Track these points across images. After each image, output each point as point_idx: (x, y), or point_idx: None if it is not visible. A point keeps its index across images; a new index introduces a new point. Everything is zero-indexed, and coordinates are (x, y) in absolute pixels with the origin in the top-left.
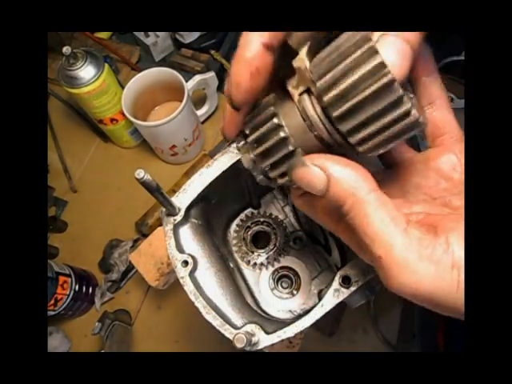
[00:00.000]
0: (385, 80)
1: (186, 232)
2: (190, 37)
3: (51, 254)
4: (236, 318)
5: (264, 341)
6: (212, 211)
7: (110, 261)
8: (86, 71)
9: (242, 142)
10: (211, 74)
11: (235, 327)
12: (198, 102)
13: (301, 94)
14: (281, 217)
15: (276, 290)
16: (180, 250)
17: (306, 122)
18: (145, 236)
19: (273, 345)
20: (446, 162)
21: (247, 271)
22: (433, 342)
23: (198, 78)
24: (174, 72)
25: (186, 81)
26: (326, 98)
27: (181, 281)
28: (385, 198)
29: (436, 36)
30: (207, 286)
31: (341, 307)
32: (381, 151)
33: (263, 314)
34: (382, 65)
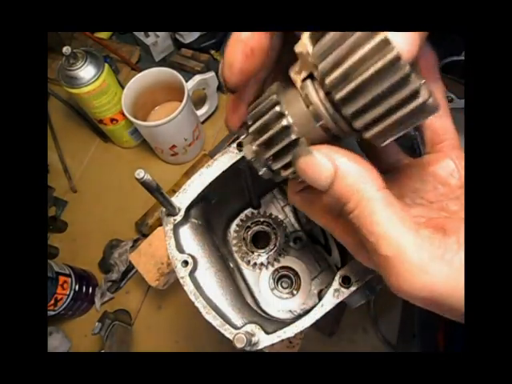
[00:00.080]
0: (389, 57)
1: (186, 232)
2: (189, 37)
3: (51, 254)
4: (236, 318)
5: (264, 341)
6: (212, 211)
7: (110, 261)
8: (86, 71)
9: (245, 134)
10: (211, 74)
11: (235, 327)
12: (198, 101)
13: (304, 80)
14: (281, 217)
15: (276, 289)
16: (180, 250)
17: (309, 109)
18: (145, 236)
19: (273, 345)
20: (444, 168)
21: (247, 271)
22: (433, 341)
23: (197, 77)
24: (174, 72)
25: (186, 81)
26: (328, 80)
27: (181, 281)
28: (392, 197)
29: (436, 36)
30: (207, 286)
31: (341, 307)
32: (388, 139)
33: (263, 314)
34: (387, 41)
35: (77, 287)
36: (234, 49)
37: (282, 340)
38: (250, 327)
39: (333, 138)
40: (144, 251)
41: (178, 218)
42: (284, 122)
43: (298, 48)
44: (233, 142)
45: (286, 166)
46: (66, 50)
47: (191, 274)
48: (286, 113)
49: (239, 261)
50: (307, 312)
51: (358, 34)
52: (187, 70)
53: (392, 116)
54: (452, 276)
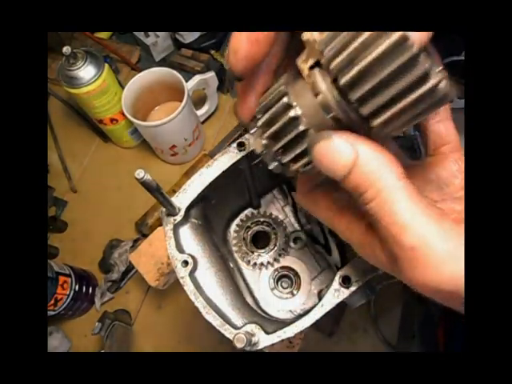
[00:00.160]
0: (395, 37)
1: (186, 232)
2: (190, 37)
3: (51, 254)
4: (236, 318)
5: (264, 341)
6: (212, 211)
7: (110, 261)
8: (86, 71)
9: (255, 128)
10: (211, 74)
11: (235, 327)
12: (198, 101)
13: (311, 69)
14: (281, 217)
15: (276, 289)
16: (180, 250)
17: (317, 98)
18: (145, 236)
19: (273, 345)
20: (447, 169)
21: (247, 271)
22: (433, 341)
23: (197, 77)
24: (174, 72)
25: (186, 81)
26: (333, 65)
27: (181, 281)
28: (413, 186)
29: (436, 36)
30: (207, 286)
31: (341, 307)
32: (398, 129)
33: (263, 314)
34: None
35: (77, 287)
36: (240, 36)
37: (282, 340)
38: (250, 327)
39: (342, 129)
40: (144, 251)
41: (178, 218)
42: (292, 113)
43: (305, 36)
44: (233, 141)
45: (296, 159)
46: (66, 50)
47: (191, 274)
48: (294, 104)
49: (239, 261)
50: (307, 312)
51: None
52: (187, 70)
53: (400, 102)
54: None
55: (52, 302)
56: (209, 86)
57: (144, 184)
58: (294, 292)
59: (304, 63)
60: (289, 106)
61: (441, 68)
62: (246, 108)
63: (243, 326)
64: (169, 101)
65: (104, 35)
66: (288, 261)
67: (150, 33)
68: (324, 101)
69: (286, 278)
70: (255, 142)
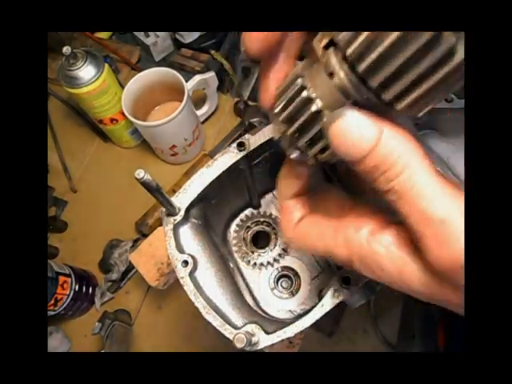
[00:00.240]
0: None
1: (186, 232)
2: (189, 37)
3: (51, 254)
4: (236, 318)
5: (264, 341)
6: (212, 211)
7: (109, 261)
8: (86, 71)
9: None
10: (211, 74)
11: (235, 327)
12: (198, 101)
13: (326, 49)
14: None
15: (276, 289)
16: (180, 250)
17: (333, 81)
18: (145, 236)
19: (273, 345)
20: None
21: (247, 271)
22: (433, 341)
23: (197, 77)
24: (174, 72)
25: (186, 81)
26: (350, 51)
27: (181, 281)
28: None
29: None
30: (207, 286)
31: (341, 307)
32: (424, 109)
33: (263, 314)
34: None
35: (77, 287)
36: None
37: (282, 340)
38: (250, 327)
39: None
40: (144, 251)
41: (178, 218)
42: (313, 108)
43: None
44: (233, 141)
45: (323, 150)
46: (66, 50)
47: (191, 274)
48: (314, 96)
49: (239, 261)
50: (307, 312)
51: None
52: (187, 70)
53: (426, 82)
54: None
55: (52, 302)
56: (209, 86)
57: (144, 184)
58: (294, 292)
59: (318, 43)
60: (309, 100)
61: (461, 34)
62: (267, 95)
63: (243, 325)
64: (169, 101)
65: (104, 35)
66: (288, 261)
67: (150, 33)
68: (342, 87)
69: (286, 278)
70: (273, 128)
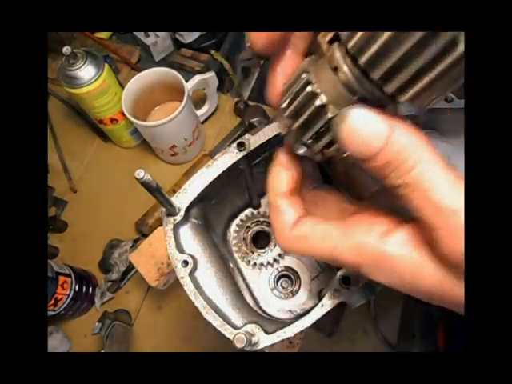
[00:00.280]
0: None
1: (186, 232)
2: (189, 37)
3: (51, 254)
4: (236, 318)
5: (264, 341)
6: (212, 211)
7: (109, 261)
8: (85, 71)
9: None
10: (211, 74)
11: (235, 327)
12: (198, 101)
13: (331, 43)
14: None
15: (276, 289)
16: (180, 250)
17: (337, 76)
18: (145, 236)
19: (273, 345)
20: None
21: (247, 271)
22: (433, 342)
23: (198, 77)
24: (174, 72)
25: (186, 81)
26: (351, 44)
27: (181, 281)
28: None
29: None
30: (207, 286)
31: (341, 307)
32: (428, 102)
33: (263, 314)
34: None
35: (77, 287)
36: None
37: (282, 340)
38: (250, 327)
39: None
40: (144, 251)
41: (178, 218)
42: (317, 102)
43: None
44: (233, 141)
45: (329, 145)
46: (66, 50)
47: (191, 274)
48: (318, 90)
49: (239, 261)
50: (307, 312)
51: None
52: (187, 70)
53: (429, 74)
54: None
55: (52, 302)
56: (209, 86)
57: (144, 184)
58: (294, 292)
59: (323, 38)
60: (314, 95)
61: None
62: (274, 90)
63: (243, 325)
64: (169, 101)
65: (104, 35)
66: (288, 261)
67: (150, 33)
68: (346, 81)
69: (286, 278)
70: (279, 124)
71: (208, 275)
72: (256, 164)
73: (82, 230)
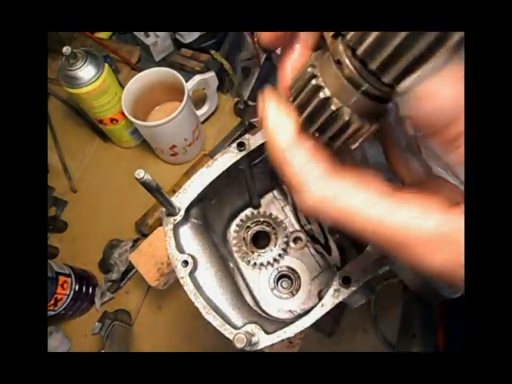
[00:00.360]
0: None
1: (186, 232)
2: (189, 37)
3: (51, 254)
4: (236, 318)
5: (264, 341)
6: (212, 211)
7: (109, 261)
8: (86, 71)
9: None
10: (211, 74)
11: (235, 327)
12: (198, 101)
13: (335, 38)
14: (281, 217)
15: (276, 289)
16: (180, 250)
17: (339, 67)
18: (145, 236)
19: (273, 345)
20: None
21: (247, 271)
22: (433, 342)
23: (197, 77)
24: (174, 72)
25: (186, 81)
26: (349, 37)
27: (181, 281)
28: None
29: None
30: (207, 286)
31: (341, 307)
32: None
33: (263, 314)
34: None
35: (77, 287)
36: None
37: (282, 340)
38: (250, 327)
39: (375, 100)
40: (144, 251)
41: (178, 218)
42: (321, 95)
43: None
44: (233, 141)
45: (334, 138)
46: (66, 50)
47: (191, 274)
48: (323, 84)
49: (239, 261)
50: (307, 312)
51: None
52: (187, 70)
53: (421, 65)
54: None
55: (52, 302)
56: (209, 86)
57: (144, 184)
58: (294, 292)
59: (328, 32)
60: (318, 88)
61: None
62: (284, 85)
63: (243, 325)
64: (169, 101)
65: (104, 35)
66: (288, 261)
67: (149, 33)
68: (347, 73)
69: (286, 278)
70: None
71: (208, 275)
72: (256, 164)
73: (82, 229)
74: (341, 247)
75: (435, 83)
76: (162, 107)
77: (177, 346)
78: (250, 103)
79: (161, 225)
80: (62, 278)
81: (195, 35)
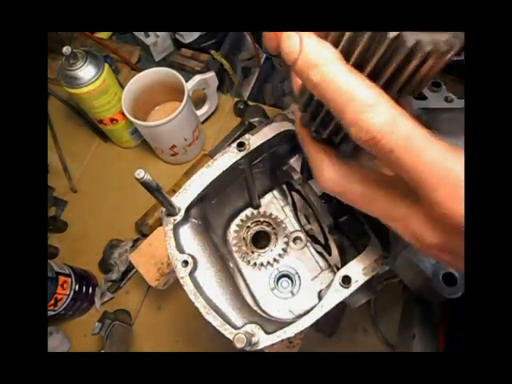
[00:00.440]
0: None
1: (186, 232)
2: (189, 37)
3: (51, 254)
4: (236, 318)
5: (264, 341)
6: (212, 211)
7: (109, 261)
8: (86, 71)
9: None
10: (211, 74)
11: (235, 327)
12: (198, 101)
13: None
14: (281, 217)
15: (276, 289)
16: (180, 250)
17: None
18: (145, 236)
19: (273, 345)
20: None
21: (247, 271)
22: (433, 342)
23: (198, 77)
24: (174, 72)
25: (186, 81)
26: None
27: (181, 281)
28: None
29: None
30: (207, 285)
31: (341, 307)
32: (414, 91)
33: (263, 314)
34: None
35: (77, 287)
36: None
37: (282, 340)
38: (250, 327)
39: None
40: (144, 251)
41: (178, 217)
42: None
43: None
44: (233, 141)
45: (334, 133)
46: (66, 50)
47: (191, 274)
48: None
49: (239, 261)
50: (307, 312)
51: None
52: (187, 70)
53: (401, 76)
54: None
55: (52, 302)
56: (209, 86)
57: (144, 184)
58: (294, 292)
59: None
60: None
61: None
62: (295, 86)
63: (243, 325)
64: (169, 101)
65: (104, 35)
66: (288, 261)
67: (150, 33)
68: None
69: (286, 278)
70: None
71: (208, 275)
72: (256, 164)
73: (81, 230)
74: (341, 247)
75: None
76: (161, 107)
77: (177, 346)
78: (250, 103)
79: (161, 225)
80: (61, 278)
81: (195, 35)
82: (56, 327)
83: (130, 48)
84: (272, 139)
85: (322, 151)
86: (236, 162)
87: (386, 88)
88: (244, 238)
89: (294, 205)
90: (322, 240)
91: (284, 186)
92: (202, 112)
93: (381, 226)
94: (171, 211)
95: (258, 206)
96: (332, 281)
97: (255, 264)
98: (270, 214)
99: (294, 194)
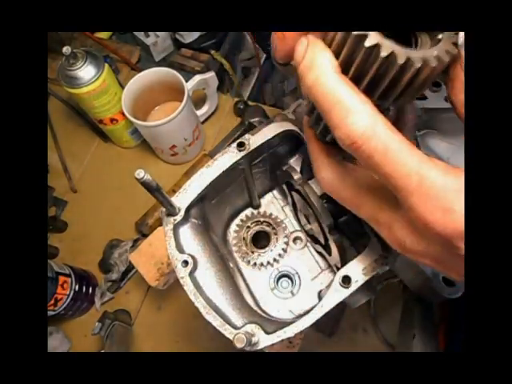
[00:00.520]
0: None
1: (186, 232)
2: (189, 37)
3: (51, 254)
4: (236, 318)
5: (264, 341)
6: (212, 211)
7: (109, 261)
8: (86, 71)
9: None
10: (211, 74)
11: (235, 327)
12: (198, 101)
13: None
14: (281, 217)
15: (276, 289)
16: (180, 250)
17: None
18: (145, 236)
19: (273, 345)
20: None
21: (247, 271)
22: (433, 342)
23: (198, 77)
24: (174, 72)
25: (186, 81)
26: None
27: (181, 281)
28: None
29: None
30: (207, 285)
31: (341, 307)
32: (409, 100)
33: (263, 314)
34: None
35: (77, 287)
36: (273, 33)
37: (282, 340)
38: (250, 327)
39: None
40: (144, 251)
41: (178, 217)
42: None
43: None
44: (233, 141)
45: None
46: (66, 50)
47: (191, 274)
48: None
49: (239, 261)
50: (307, 312)
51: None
52: (187, 70)
53: (396, 87)
54: None
55: (52, 302)
56: (209, 86)
57: (144, 184)
58: (294, 292)
59: None
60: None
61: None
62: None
63: (243, 326)
64: (169, 101)
65: (104, 35)
66: (288, 261)
67: (149, 33)
68: None
69: (286, 278)
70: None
71: (208, 275)
72: (256, 164)
73: (81, 230)
74: (341, 247)
75: None
76: (161, 107)
77: (177, 346)
78: (250, 103)
79: (161, 225)
80: (61, 278)
81: (195, 35)
82: (56, 327)
83: (129, 48)
84: (272, 139)
85: (324, 152)
86: (236, 162)
87: (384, 95)
88: (244, 238)
89: (294, 205)
90: (322, 240)
91: (284, 186)
92: (202, 112)
93: None
94: (171, 211)
95: (258, 206)
96: (332, 281)
97: (255, 264)
98: (270, 214)
99: (293, 193)
